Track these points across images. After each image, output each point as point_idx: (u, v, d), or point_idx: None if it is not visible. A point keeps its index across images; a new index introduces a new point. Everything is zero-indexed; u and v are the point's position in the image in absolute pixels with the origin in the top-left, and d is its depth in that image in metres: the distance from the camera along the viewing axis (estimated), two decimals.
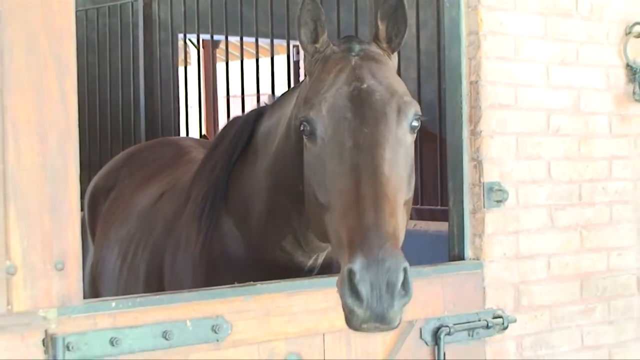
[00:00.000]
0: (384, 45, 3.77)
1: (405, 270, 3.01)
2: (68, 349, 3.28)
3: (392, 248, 3.03)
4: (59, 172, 3.18)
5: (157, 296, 3.64)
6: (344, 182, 3.28)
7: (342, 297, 3.06)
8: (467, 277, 4.42)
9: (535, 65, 4.64)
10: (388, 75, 3.63)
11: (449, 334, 4.27)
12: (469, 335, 4.36)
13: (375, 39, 3.79)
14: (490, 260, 4.48)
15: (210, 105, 12.63)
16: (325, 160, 3.41)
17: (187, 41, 11.26)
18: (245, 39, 8.96)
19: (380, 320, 3.01)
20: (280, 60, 10.60)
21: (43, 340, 3.25)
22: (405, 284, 3.01)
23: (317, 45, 3.76)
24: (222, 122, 11.69)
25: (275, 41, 8.92)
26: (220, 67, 14.02)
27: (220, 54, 14.10)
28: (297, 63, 10.55)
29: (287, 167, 3.86)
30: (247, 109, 8.38)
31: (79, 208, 3.29)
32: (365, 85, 3.47)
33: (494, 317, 4.43)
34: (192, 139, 7.54)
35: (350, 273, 2.98)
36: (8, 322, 3.14)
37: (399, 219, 3.25)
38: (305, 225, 3.95)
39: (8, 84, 3.08)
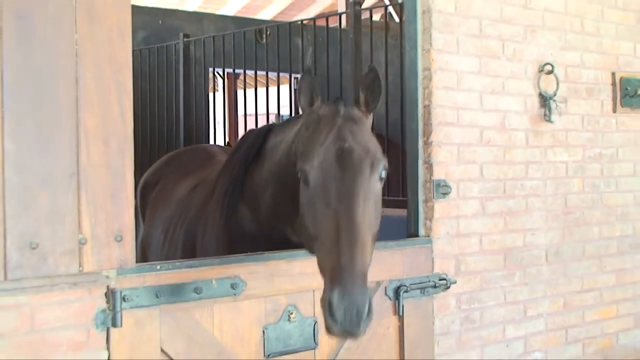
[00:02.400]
0: (363, 108, 3.71)
1: (370, 300, 3.04)
2: (124, 300, 3.29)
3: (361, 284, 3.04)
4: (118, 169, 3.18)
5: (190, 261, 3.63)
6: (328, 224, 3.24)
7: (323, 316, 3.07)
8: (420, 250, 4.42)
9: (472, 94, 4.63)
10: (365, 135, 3.53)
11: (406, 291, 4.27)
12: (421, 292, 4.35)
13: (356, 103, 3.71)
14: (437, 237, 4.47)
15: (232, 121, 12.62)
16: (315, 202, 3.35)
17: (215, 73, 11.22)
18: (258, 72, 8.94)
19: (350, 335, 3.06)
20: (284, 89, 10.59)
21: (105, 293, 3.26)
22: (369, 312, 3.04)
23: (313, 107, 3.71)
24: (241, 133, 11.72)
25: (281, 74, 8.92)
26: (240, 93, 14.05)
27: (239, 83, 14.11)
28: (296, 91, 10.53)
29: (288, 178, 3.82)
30: (259, 125, 8.42)
31: (133, 196, 3.28)
32: (347, 145, 3.40)
33: (440, 280, 4.42)
34: (218, 146, 7.52)
35: (329, 303, 3.01)
36: (80, 280, 3.15)
37: (367, 256, 3.22)
38: (299, 221, 3.91)
39: (82, 102, 3.08)
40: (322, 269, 3.22)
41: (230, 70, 9.59)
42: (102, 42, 3.14)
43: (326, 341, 4.01)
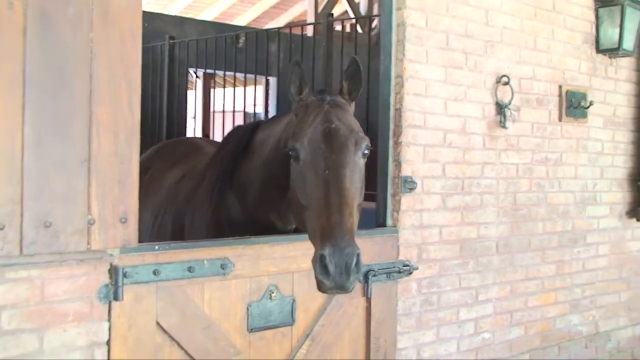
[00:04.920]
0: (346, 96, 3.77)
1: (358, 255, 3.08)
2: (125, 276, 3.30)
3: (349, 240, 3.10)
4: (125, 158, 3.19)
5: (186, 243, 3.65)
6: (318, 191, 3.31)
7: (315, 273, 3.12)
8: (388, 238, 4.47)
9: (438, 100, 4.67)
10: (349, 118, 3.63)
11: (375, 275, 4.32)
12: (387, 277, 4.40)
13: (340, 92, 3.78)
14: (403, 227, 4.53)
15: (207, 116, 12.57)
16: (306, 175, 3.42)
17: (192, 73, 11.16)
18: (232, 73, 8.92)
19: (340, 289, 3.10)
20: (251, 89, 10.55)
21: (109, 270, 3.26)
22: (357, 265, 3.08)
23: (302, 96, 3.76)
24: (216, 127, 11.73)
25: (254, 76, 8.89)
26: (215, 91, 13.98)
27: (214, 82, 14.02)
28: (267, 91, 10.48)
29: (276, 168, 3.86)
30: (231, 121, 8.43)
31: (138, 182, 3.28)
32: (333, 125, 3.48)
33: (404, 266, 4.47)
34: (204, 139, 7.49)
35: (322, 257, 3.07)
36: (87, 257, 3.15)
37: (354, 218, 3.28)
38: (285, 207, 3.94)
39: (95, 96, 3.09)
40: (314, 234, 3.27)
41: (208, 71, 9.55)
42: (115, 42, 3.14)
43: (302, 318, 4.05)
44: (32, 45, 2.91)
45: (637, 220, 6.18)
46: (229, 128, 6.99)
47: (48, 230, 2.97)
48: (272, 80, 9.96)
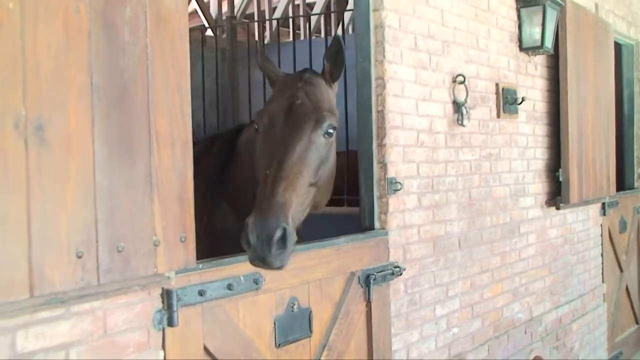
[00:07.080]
0: (327, 77, 3.81)
1: (284, 229, 3.01)
2: (178, 299, 3.08)
3: (277, 212, 3.05)
4: (181, 171, 2.97)
5: (223, 259, 3.40)
6: (264, 164, 3.35)
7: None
8: (380, 241, 4.45)
9: (411, 100, 4.71)
10: (319, 96, 3.68)
11: (375, 279, 4.30)
12: (382, 280, 4.40)
13: (322, 72, 3.82)
14: (391, 229, 4.53)
15: None
16: (261, 149, 3.50)
17: None
18: None
19: (262, 261, 3.06)
20: None
21: (161, 294, 3.04)
22: (284, 240, 3.02)
23: (279, 77, 3.84)
24: None
25: None
26: None
27: None
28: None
29: None
30: None
31: (193, 198, 3.07)
32: (298, 101, 3.56)
33: (395, 267, 4.48)
34: None
35: (246, 225, 3.03)
36: (149, 282, 2.90)
37: (292, 194, 3.20)
38: None
39: (152, 105, 2.85)
40: None
41: None
42: (167, 46, 2.92)
43: (317, 329, 3.97)
44: (97, 53, 2.64)
45: (557, 208, 6.55)
46: None
47: (121, 255, 2.71)
48: None
